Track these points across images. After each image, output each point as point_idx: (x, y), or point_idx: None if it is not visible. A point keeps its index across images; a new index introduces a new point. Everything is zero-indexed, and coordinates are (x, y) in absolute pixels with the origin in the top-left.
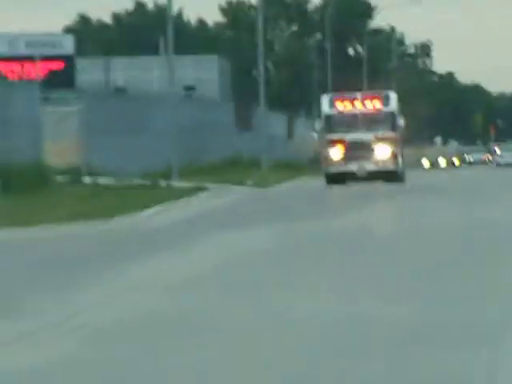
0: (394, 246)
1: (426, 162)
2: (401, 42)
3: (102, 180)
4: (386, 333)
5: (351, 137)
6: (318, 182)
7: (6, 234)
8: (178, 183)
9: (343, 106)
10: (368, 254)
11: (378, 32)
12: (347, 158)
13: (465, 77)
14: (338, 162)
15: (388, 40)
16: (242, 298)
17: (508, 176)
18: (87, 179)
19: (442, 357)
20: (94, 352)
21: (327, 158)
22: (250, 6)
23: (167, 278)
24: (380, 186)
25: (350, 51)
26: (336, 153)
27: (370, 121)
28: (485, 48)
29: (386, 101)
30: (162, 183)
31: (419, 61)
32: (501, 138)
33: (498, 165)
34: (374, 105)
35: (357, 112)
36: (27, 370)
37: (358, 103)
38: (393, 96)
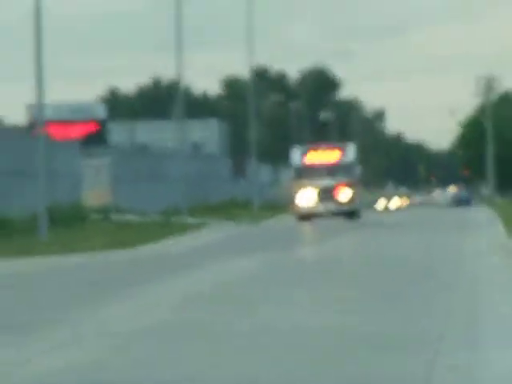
0: (349, 268)
1: (381, 202)
2: (361, 108)
3: (128, 217)
4: (343, 334)
5: (316, 183)
6: (293, 218)
7: (55, 259)
8: (186, 220)
9: (310, 157)
10: (330, 274)
11: (343, 101)
12: (313, 200)
13: (411, 136)
14: (306, 204)
15: (351, 107)
16: (235, 303)
17: (443, 214)
18: (115, 217)
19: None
20: (127, 350)
21: (296, 200)
22: (243, 81)
23: (182, 293)
24: (340, 222)
25: (322, 115)
26: (305, 196)
27: (332, 169)
28: (427, 113)
29: (345, 152)
30: (174, 219)
31: (375, 123)
32: (439, 186)
33: (437, 205)
34: (335, 155)
35: (320, 162)
36: (94, 358)
37: (321, 155)
38: (351, 148)
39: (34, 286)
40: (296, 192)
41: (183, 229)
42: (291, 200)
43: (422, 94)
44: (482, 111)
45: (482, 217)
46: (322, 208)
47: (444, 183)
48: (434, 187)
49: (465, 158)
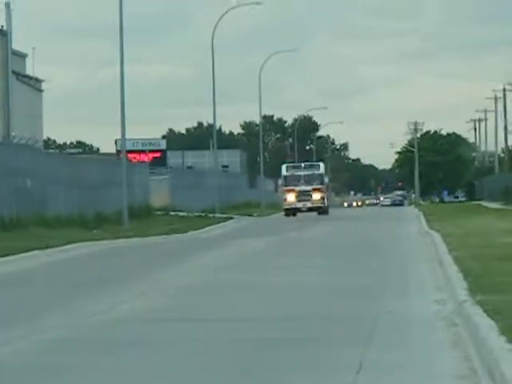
0: (322, 244)
1: (346, 203)
2: (332, 142)
3: (180, 213)
4: (317, 288)
5: (298, 188)
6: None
7: (134, 240)
8: (218, 215)
9: (293, 170)
10: (311, 248)
11: (321, 137)
12: (295, 200)
13: (365, 160)
14: (290, 202)
15: (326, 141)
16: (252, 267)
17: (385, 211)
18: (172, 213)
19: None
20: (179, 298)
21: (285, 200)
22: (256, 124)
23: (216, 262)
24: (314, 216)
25: (307, 147)
26: (289, 197)
27: (309, 178)
28: (376, 145)
29: (317, 167)
30: (210, 215)
31: (342, 152)
32: (383, 192)
33: (382, 205)
34: (311, 169)
35: (301, 174)
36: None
37: (301, 169)
38: (322, 165)
39: (124, 256)
40: (283, 194)
41: (216, 221)
42: (281, 199)
43: (372, 133)
44: (410, 144)
45: (410, 213)
46: (301, 205)
47: (387, 191)
48: (380, 194)
49: (400, 174)
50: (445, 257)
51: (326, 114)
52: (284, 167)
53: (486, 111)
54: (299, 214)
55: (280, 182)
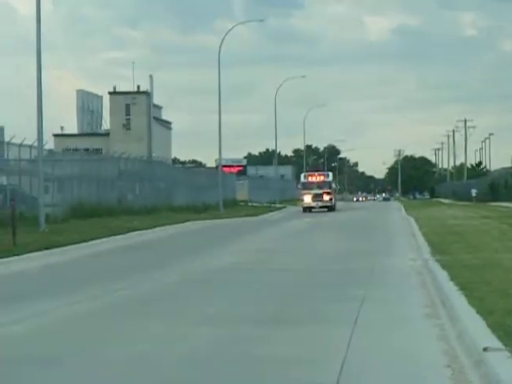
0: (333, 226)
1: (355, 199)
2: (348, 161)
3: (254, 204)
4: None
5: (313, 191)
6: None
7: (226, 220)
8: (277, 205)
9: (309, 178)
10: (324, 230)
11: (341, 158)
12: (311, 200)
13: (369, 172)
14: (307, 202)
15: (344, 161)
16: (297, 238)
17: (379, 204)
18: (249, 204)
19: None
20: (259, 256)
21: (302, 200)
22: (301, 150)
23: (277, 233)
24: (325, 212)
25: (332, 164)
26: (306, 198)
27: (321, 184)
28: (376, 164)
29: (327, 176)
30: (273, 205)
31: (354, 167)
32: (378, 192)
33: (376, 200)
34: (322, 177)
35: (314, 180)
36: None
37: (315, 177)
38: (330, 174)
39: (220, 229)
40: (301, 196)
41: (276, 209)
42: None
43: (373, 155)
44: (396, 163)
45: (395, 205)
46: (314, 204)
47: (380, 191)
48: (376, 193)
49: (389, 182)
50: (416, 232)
51: (344, 144)
52: (302, 175)
53: (442, 143)
54: (314, 211)
55: (299, 186)
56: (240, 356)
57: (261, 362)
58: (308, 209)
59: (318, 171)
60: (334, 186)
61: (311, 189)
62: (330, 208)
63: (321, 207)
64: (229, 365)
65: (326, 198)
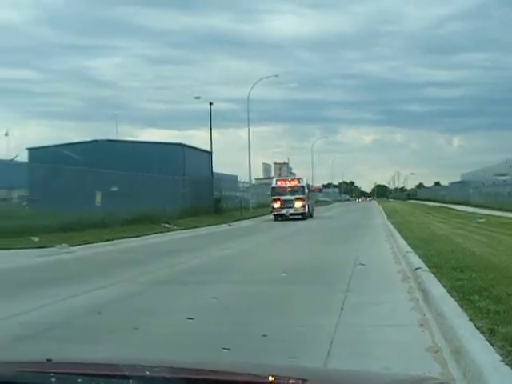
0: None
1: (356, 200)
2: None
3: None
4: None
5: (283, 198)
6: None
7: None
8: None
9: (279, 183)
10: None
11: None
12: (281, 207)
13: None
14: (276, 209)
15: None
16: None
17: (367, 203)
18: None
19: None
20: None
21: (273, 207)
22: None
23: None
24: (296, 221)
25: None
26: (276, 205)
27: (293, 190)
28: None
29: (301, 181)
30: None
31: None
32: (368, 197)
33: (365, 201)
34: (295, 182)
35: (286, 185)
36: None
37: (287, 182)
38: (304, 179)
39: (242, 229)
40: (272, 202)
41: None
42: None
43: (368, 178)
44: (376, 186)
45: (375, 203)
46: (284, 211)
47: (369, 196)
48: (368, 198)
49: (372, 192)
50: (381, 209)
51: (348, 173)
52: (273, 180)
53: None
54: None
55: (270, 192)
56: None
57: None
58: (279, 216)
59: (290, 177)
60: (306, 191)
61: (282, 194)
62: (303, 215)
63: (291, 214)
64: None
65: (298, 204)
